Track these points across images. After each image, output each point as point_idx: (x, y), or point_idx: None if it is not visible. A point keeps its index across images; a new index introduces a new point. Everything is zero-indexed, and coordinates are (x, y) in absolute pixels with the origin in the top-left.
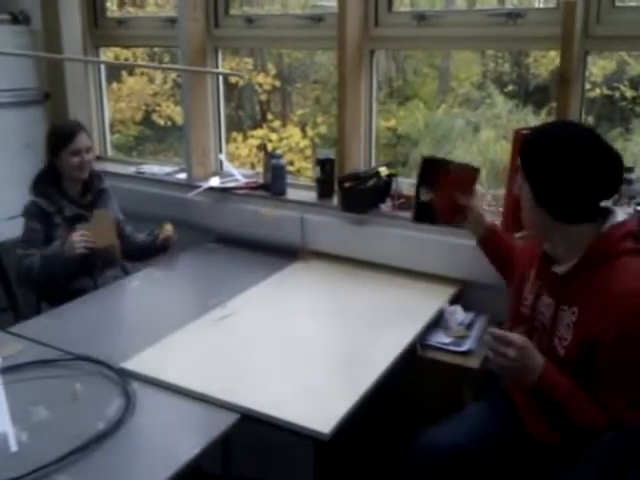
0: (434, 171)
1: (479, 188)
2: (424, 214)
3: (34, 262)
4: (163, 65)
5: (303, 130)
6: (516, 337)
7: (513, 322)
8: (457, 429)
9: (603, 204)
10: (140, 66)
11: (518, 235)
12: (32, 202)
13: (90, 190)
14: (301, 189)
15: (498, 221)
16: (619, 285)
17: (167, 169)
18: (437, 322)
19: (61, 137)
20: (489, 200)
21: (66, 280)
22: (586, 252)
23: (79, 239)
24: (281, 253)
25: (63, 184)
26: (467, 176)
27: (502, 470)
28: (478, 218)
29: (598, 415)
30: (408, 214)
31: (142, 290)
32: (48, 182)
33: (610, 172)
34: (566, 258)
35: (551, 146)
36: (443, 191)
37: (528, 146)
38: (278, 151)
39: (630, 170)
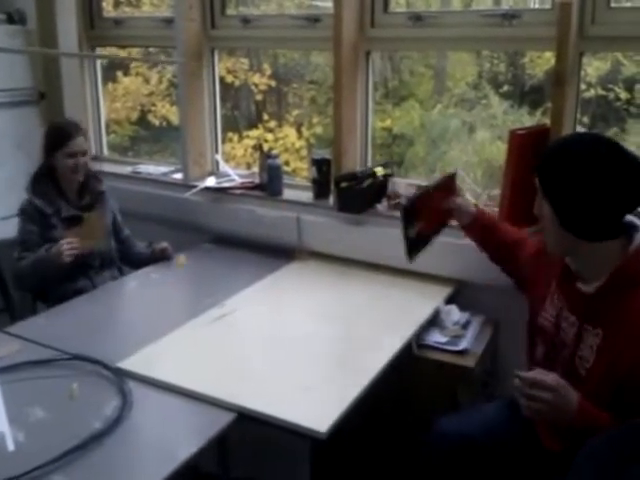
0: (415, 206)
1: (459, 186)
2: (416, 245)
3: (24, 265)
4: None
5: (299, 130)
6: (548, 379)
7: (531, 332)
8: (472, 421)
9: (627, 218)
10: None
11: (531, 230)
12: (29, 202)
13: (87, 192)
14: (297, 189)
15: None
16: None
17: (163, 169)
18: (433, 321)
19: (58, 137)
20: (485, 200)
21: (62, 281)
22: (614, 273)
23: (66, 247)
24: (277, 253)
25: (60, 184)
26: (446, 186)
27: (506, 468)
28: (461, 207)
29: None
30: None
31: (139, 290)
32: (46, 181)
33: (633, 184)
34: (591, 276)
35: (569, 163)
36: (428, 213)
37: (545, 164)
38: (274, 151)
39: None
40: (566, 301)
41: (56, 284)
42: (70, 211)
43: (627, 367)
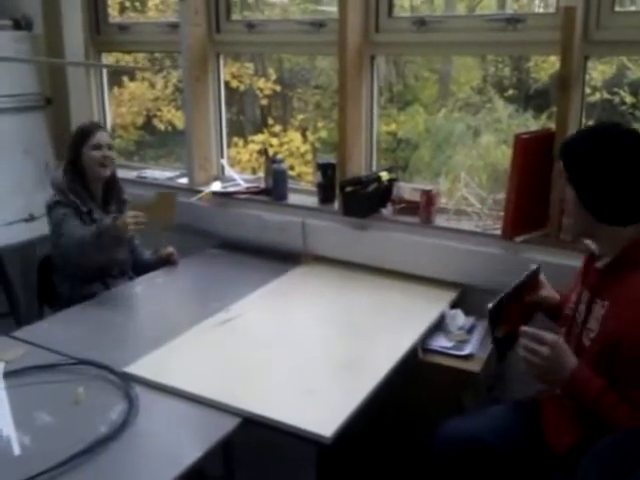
0: (502, 306)
1: (542, 280)
2: (504, 344)
3: (87, 234)
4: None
5: (304, 135)
6: (548, 335)
7: (560, 326)
8: (478, 422)
9: None
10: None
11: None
12: (65, 197)
13: (114, 197)
14: (302, 194)
15: (498, 224)
16: None
17: (168, 174)
18: (438, 326)
19: (82, 134)
20: (490, 204)
21: (79, 284)
22: (622, 250)
23: (131, 220)
24: (283, 258)
25: (89, 185)
26: (531, 281)
27: (511, 470)
28: (547, 300)
29: (629, 414)
30: (409, 218)
31: (145, 295)
32: (77, 182)
33: None
34: (604, 254)
35: (594, 148)
36: (515, 311)
37: (571, 149)
38: (279, 156)
39: None
40: (585, 282)
41: (77, 283)
42: (100, 214)
43: (622, 331)
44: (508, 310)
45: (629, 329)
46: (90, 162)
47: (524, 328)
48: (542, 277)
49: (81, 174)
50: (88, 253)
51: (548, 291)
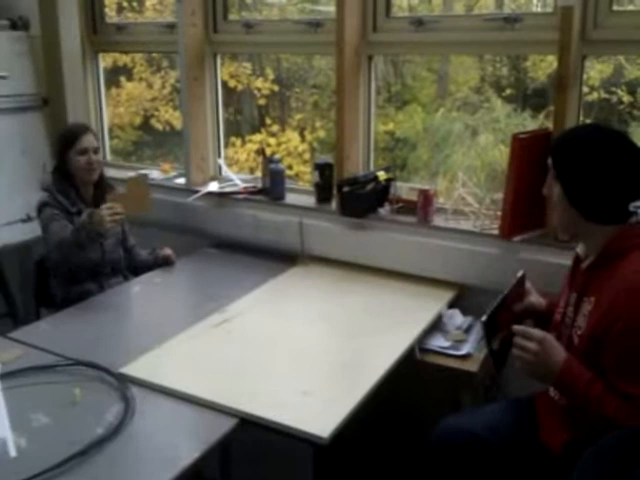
0: (495, 318)
1: (528, 286)
2: (501, 355)
3: (66, 235)
4: None
5: (302, 134)
6: (536, 331)
7: (550, 332)
8: (477, 420)
9: (633, 206)
10: None
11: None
12: (53, 197)
13: (102, 198)
14: (300, 194)
15: (496, 224)
16: (628, 277)
17: (166, 174)
18: (436, 326)
19: (67, 138)
20: (488, 204)
21: (73, 283)
22: (604, 246)
23: (107, 212)
24: (280, 258)
25: (78, 188)
26: (518, 289)
27: (507, 467)
28: (534, 306)
29: (619, 405)
30: (406, 218)
31: (142, 295)
32: (66, 184)
33: (638, 173)
34: (589, 253)
35: (583, 146)
36: (506, 320)
37: (560, 147)
38: (277, 156)
39: None
40: (571, 285)
41: (69, 283)
42: None
43: (606, 324)
44: (500, 320)
45: (621, 314)
46: (77, 167)
47: (515, 326)
48: (528, 284)
49: (69, 177)
50: (68, 252)
51: (535, 297)
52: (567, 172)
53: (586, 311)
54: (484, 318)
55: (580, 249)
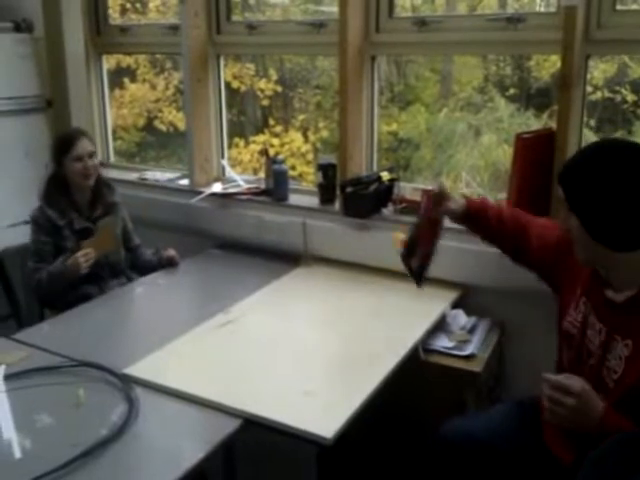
0: (413, 239)
1: (446, 193)
2: (421, 271)
3: (42, 277)
4: None
5: (305, 135)
6: (575, 384)
7: (559, 336)
8: (481, 422)
9: None
10: None
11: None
12: (42, 212)
13: (100, 202)
14: (303, 194)
15: None
16: None
17: (169, 175)
18: (439, 326)
19: (62, 144)
20: None
21: (73, 289)
22: None
23: (83, 259)
24: (284, 258)
25: (73, 194)
26: (434, 202)
27: (511, 469)
28: (449, 208)
29: None
30: (410, 218)
31: (145, 296)
32: (58, 192)
33: None
34: (622, 285)
35: (593, 171)
36: (423, 236)
37: (568, 175)
38: (280, 156)
39: None
40: (593, 308)
41: (69, 292)
42: (82, 224)
43: None
44: (420, 236)
45: None
46: (73, 174)
47: (547, 376)
48: (445, 188)
49: (65, 184)
50: (46, 292)
51: (454, 203)
52: (581, 203)
53: (622, 354)
54: (403, 250)
55: (600, 269)
